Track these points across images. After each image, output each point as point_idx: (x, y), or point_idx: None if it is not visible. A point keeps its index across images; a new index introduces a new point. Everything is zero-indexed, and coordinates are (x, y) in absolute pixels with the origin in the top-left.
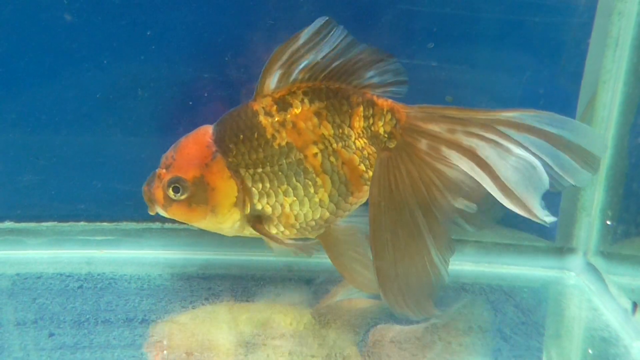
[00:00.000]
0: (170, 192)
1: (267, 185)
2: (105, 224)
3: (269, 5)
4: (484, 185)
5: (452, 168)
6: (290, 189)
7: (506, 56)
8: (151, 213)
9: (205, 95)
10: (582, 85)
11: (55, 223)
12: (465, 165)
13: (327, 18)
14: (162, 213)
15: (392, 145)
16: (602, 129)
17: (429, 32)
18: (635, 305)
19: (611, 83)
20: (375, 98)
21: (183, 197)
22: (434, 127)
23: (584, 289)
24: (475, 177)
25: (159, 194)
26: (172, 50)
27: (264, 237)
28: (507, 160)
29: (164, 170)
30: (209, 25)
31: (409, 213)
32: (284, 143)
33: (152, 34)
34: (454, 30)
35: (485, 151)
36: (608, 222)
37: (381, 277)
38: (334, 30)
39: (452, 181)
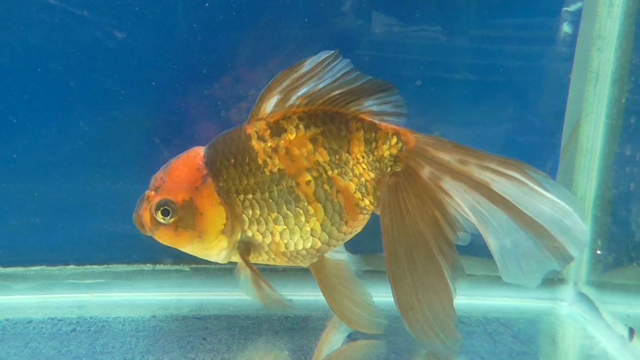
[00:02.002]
0: (159, 215)
1: (258, 212)
2: (95, 266)
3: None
4: (487, 223)
5: (450, 200)
6: (280, 217)
7: (491, 93)
8: (144, 234)
9: (195, 136)
10: (565, 118)
11: (43, 267)
12: (468, 199)
13: (334, 51)
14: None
15: (398, 169)
16: (587, 160)
17: (415, 78)
18: (632, 331)
19: (594, 116)
20: (376, 122)
21: (171, 220)
22: (444, 156)
23: (578, 318)
24: (474, 215)
25: (146, 216)
26: (160, 92)
27: (236, 269)
28: (535, 199)
29: (152, 192)
30: (196, 67)
31: (422, 238)
32: (275, 170)
33: (140, 78)
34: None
35: (503, 187)
36: (598, 252)
37: (403, 308)
38: (338, 62)
39: (449, 214)
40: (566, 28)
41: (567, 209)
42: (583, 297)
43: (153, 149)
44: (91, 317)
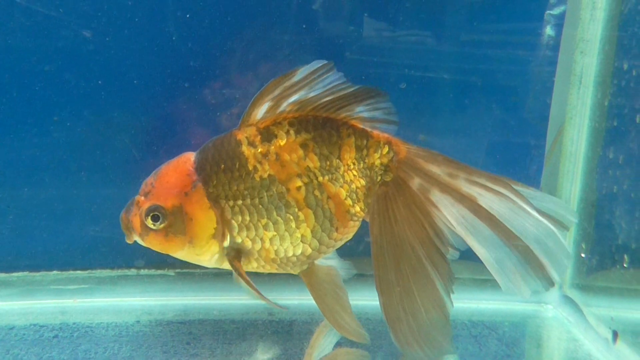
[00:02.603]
0: (149, 221)
1: (247, 218)
2: (78, 272)
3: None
4: (473, 237)
5: (438, 212)
6: (270, 223)
7: (476, 97)
8: (129, 242)
9: (179, 139)
10: (549, 122)
11: (26, 273)
12: (455, 212)
13: (328, 62)
14: (140, 242)
15: (388, 178)
16: (571, 163)
17: (400, 81)
18: (615, 334)
19: (577, 119)
20: (368, 130)
21: (161, 226)
22: (434, 168)
23: (563, 321)
24: (461, 228)
25: (136, 221)
26: (143, 95)
27: (234, 274)
28: (522, 217)
29: (142, 198)
30: (183, 72)
31: (411, 248)
32: (265, 175)
33: (126, 82)
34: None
35: (490, 202)
36: (582, 255)
37: (390, 318)
38: (331, 73)
39: (437, 226)
40: (550, 31)
41: (551, 230)
42: (568, 300)
43: (137, 154)
44: (74, 323)
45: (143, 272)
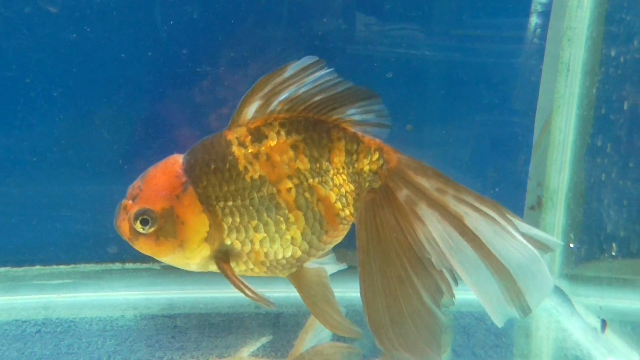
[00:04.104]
0: (138, 225)
1: (237, 219)
2: (62, 266)
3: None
4: (456, 257)
5: (422, 226)
6: (260, 225)
7: (464, 88)
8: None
9: (166, 133)
10: (537, 111)
11: (8, 268)
12: (440, 229)
13: (317, 57)
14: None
15: (376, 185)
16: (560, 152)
17: (386, 70)
18: (604, 323)
19: (565, 108)
20: (360, 135)
21: (151, 230)
22: (423, 182)
23: (552, 311)
24: (445, 246)
25: (125, 226)
26: (129, 88)
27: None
28: (506, 241)
29: (130, 202)
30: (169, 59)
31: (397, 257)
32: (256, 176)
33: (110, 74)
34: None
35: (476, 223)
36: (571, 245)
37: (374, 325)
38: (322, 69)
39: (419, 240)
40: (537, 19)
41: (535, 256)
42: (557, 290)
43: (121, 150)
44: (57, 318)
45: (128, 266)
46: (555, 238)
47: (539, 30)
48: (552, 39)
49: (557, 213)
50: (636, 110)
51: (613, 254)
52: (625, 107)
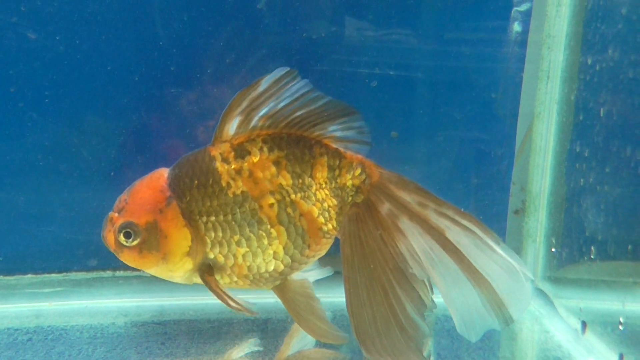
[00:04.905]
0: (122, 238)
1: (220, 234)
2: (53, 275)
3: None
4: (438, 270)
5: (404, 240)
6: (243, 240)
7: (447, 94)
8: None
9: (155, 143)
10: (519, 117)
11: (0, 277)
12: (422, 243)
13: (289, 68)
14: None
15: (359, 200)
16: (541, 157)
17: (370, 79)
18: (584, 324)
19: (546, 114)
20: (342, 150)
21: (134, 243)
22: (404, 196)
23: (535, 313)
24: (427, 260)
25: (110, 238)
26: (119, 98)
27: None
28: (486, 254)
29: (116, 214)
30: (159, 70)
31: (381, 269)
32: (239, 192)
33: (100, 84)
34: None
35: (457, 236)
36: (553, 249)
37: (360, 335)
38: (296, 80)
39: (402, 254)
40: (517, 27)
41: (514, 268)
42: (539, 293)
43: (111, 158)
44: (49, 326)
45: (119, 273)
46: (528, 271)
47: (519, 38)
48: (532, 47)
49: (540, 217)
50: (611, 117)
51: (592, 257)
52: (602, 113)
